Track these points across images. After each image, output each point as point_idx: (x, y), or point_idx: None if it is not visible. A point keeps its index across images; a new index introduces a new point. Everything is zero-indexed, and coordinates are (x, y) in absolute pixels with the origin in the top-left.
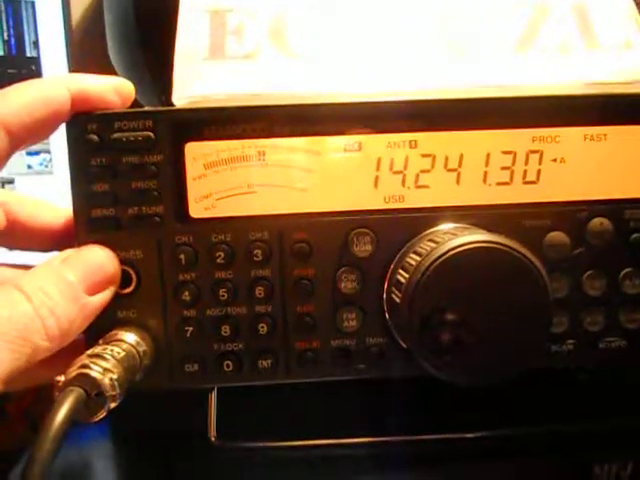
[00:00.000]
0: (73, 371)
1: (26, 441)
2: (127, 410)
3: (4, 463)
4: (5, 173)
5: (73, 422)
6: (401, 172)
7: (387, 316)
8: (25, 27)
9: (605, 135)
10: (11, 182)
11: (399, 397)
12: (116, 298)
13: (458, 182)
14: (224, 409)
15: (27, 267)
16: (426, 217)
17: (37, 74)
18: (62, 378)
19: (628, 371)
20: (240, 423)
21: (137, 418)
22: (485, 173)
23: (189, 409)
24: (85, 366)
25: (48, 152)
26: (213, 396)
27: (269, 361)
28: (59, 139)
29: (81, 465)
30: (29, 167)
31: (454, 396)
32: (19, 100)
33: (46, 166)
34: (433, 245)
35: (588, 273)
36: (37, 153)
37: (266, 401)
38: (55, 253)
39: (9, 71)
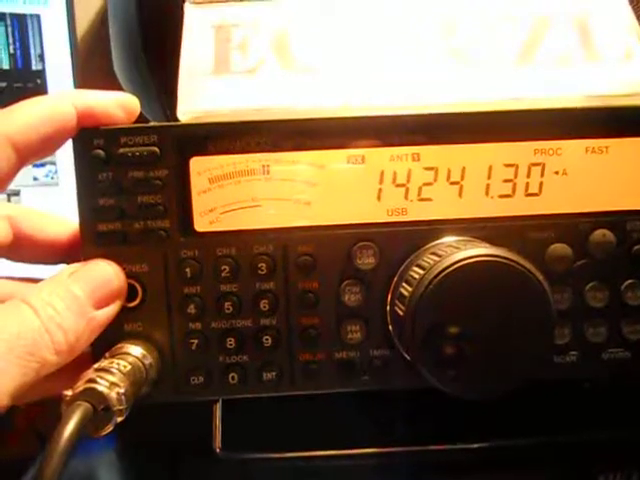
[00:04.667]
0: (80, 385)
1: (33, 452)
2: (133, 421)
3: (12, 474)
4: (11, 185)
5: (80, 437)
6: (404, 185)
7: (390, 328)
8: (31, 41)
9: (607, 147)
10: (17, 194)
11: (403, 408)
12: (122, 311)
13: (461, 195)
14: (229, 420)
15: (32, 280)
16: (429, 230)
17: (42, 87)
18: (69, 392)
19: (632, 381)
20: (245, 434)
21: (143, 429)
22: (487, 186)
23: (194, 420)
24: (92, 380)
25: (54, 164)
26: (218, 407)
27: (274, 373)
28: (65, 151)
29: (87, 475)
30: (35, 179)
31: (458, 406)
32: (26, 117)
33: (52, 178)
34: (436, 258)
35: (590, 285)
36: (43, 165)
37: (271, 412)
38: (62, 266)
39: (15, 85)
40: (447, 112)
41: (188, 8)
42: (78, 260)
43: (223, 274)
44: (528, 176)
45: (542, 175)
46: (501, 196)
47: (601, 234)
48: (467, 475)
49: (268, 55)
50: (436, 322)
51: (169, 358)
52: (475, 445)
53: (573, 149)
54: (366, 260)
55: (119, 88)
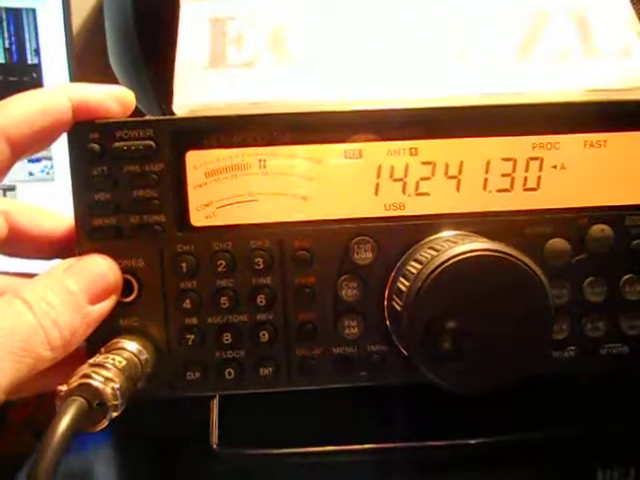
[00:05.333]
0: (75, 381)
1: (28, 447)
2: (129, 416)
3: (7, 468)
4: (6, 180)
5: (75, 432)
6: (401, 179)
7: (388, 324)
8: (26, 35)
9: (605, 142)
10: (12, 189)
11: (402, 403)
12: (118, 306)
13: (458, 189)
14: (226, 416)
15: (27, 275)
16: (426, 224)
17: (38, 81)
18: (64, 387)
19: (630, 376)
20: (242, 430)
21: (139, 424)
22: (485, 180)
23: (191, 415)
24: (87, 376)
25: (49, 159)
26: (214, 403)
27: (270, 369)
28: (60, 146)
29: (83, 471)
30: (30, 174)
31: (457, 402)
32: (21, 110)
33: (47, 173)
34: (434, 253)
35: (589, 280)
36: (39, 160)
37: (268, 408)
38: (57, 261)
39: (10, 79)
40: (445, 106)
41: (184, 1)
42: (73, 255)
43: (219, 269)
44: (526, 170)
45: (540, 169)
46: (499, 190)
47: (599, 229)
48: (466, 470)
49: (264, 49)
50: (434, 317)
51: (165, 353)
52: (473, 440)
53: (571, 143)
54: (363, 255)
55: (115, 82)
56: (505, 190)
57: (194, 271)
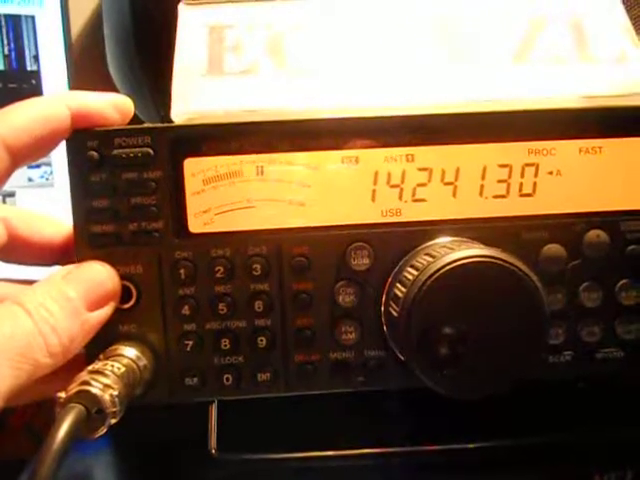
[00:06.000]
0: (74, 388)
1: (28, 452)
2: (128, 421)
3: (6, 474)
4: (6, 186)
5: (74, 439)
6: (398, 186)
7: (385, 329)
8: (25, 41)
9: (600, 148)
10: (12, 195)
11: (400, 408)
12: (117, 313)
13: (455, 195)
14: (224, 421)
15: (27, 282)
16: (423, 231)
17: (37, 88)
18: (63, 394)
19: (626, 381)
20: (240, 435)
21: (137, 429)
22: (481, 186)
23: (189, 421)
24: (86, 383)
25: (49, 165)
26: (213, 408)
27: (268, 374)
28: (60, 152)
29: (81, 476)
30: (30, 180)
31: (453, 407)
32: (20, 119)
33: (47, 179)
34: (430, 259)
35: (584, 285)
36: (38, 166)
37: (266, 413)
38: (56, 268)
39: (9, 85)
40: (441, 113)
41: (182, 9)
42: (72, 262)
43: (217, 275)
44: (522, 176)
45: (536, 175)
46: (495, 196)
47: (595, 234)
48: (463, 475)
49: (262, 56)
50: (430, 323)
51: (163, 359)
52: (471, 445)
53: (567, 149)
54: (360, 261)
55: (114, 89)
56: (501, 196)
57: (192, 277)
